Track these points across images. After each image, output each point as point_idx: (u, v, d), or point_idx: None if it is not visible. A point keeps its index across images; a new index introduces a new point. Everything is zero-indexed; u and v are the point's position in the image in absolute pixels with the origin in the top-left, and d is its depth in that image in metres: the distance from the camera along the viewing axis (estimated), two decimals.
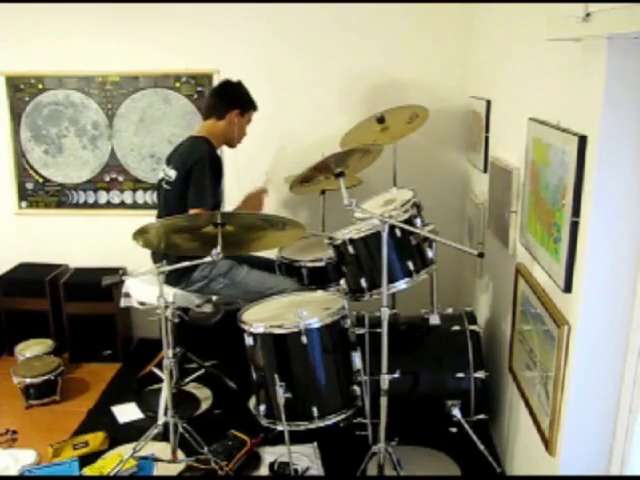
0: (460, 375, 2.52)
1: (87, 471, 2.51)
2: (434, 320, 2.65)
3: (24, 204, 3.78)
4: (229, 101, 2.91)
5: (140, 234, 2.36)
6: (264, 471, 2.56)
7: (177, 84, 3.54)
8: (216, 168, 2.79)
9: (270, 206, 3.29)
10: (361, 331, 2.57)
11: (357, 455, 2.47)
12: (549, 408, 1.83)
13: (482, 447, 2.47)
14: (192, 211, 2.69)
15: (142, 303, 2.86)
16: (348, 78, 3.45)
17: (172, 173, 2.81)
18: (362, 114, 3.14)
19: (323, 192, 3.34)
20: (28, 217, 3.79)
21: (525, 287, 2.12)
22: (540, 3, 1.96)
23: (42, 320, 3.61)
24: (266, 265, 3.01)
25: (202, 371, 3.25)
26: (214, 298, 2.96)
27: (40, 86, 3.60)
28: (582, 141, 1.59)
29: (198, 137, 2.86)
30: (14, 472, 2.56)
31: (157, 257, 2.77)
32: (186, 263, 2.41)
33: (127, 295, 2.95)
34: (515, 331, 2.28)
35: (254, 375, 2.37)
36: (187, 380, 3.22)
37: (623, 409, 1.67)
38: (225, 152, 3.32)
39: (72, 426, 2.94)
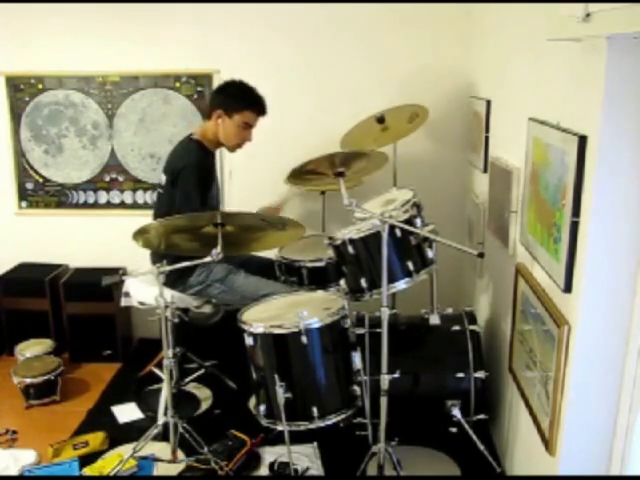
0: (460, 375, 2.52)
1: (87, 471, 2.51)
2: (434, 320, 2.65)
3: (24, 204, 3.79)
4: (214, 99, 2.84)
5: (140, 234, 2.36)
6: (264, 471, 2.56)
7: (177, 84, 3.54)
8: (204, 174, 2.75)
9: None
10: (361, 331, 2.58)
11: (357, 455, 2.47)
12: (549, 408, 1.83)
13: (482, 447, 2.47)
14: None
15: (142, 303, 2.86)
16: (348, 78, 3.45)
17: (163, 178, 2.84)
18: (363, 114, 3.13)
19: (323, 192, 3.34)
20: (28, 217, 3.79)
21: (525, 287, 2.12)
22: (540, 3, 1.96)
23: (42, 320, 3.61)
24: (265, 266, 3.01)
25: (202, 371, 3.24)
26: (213, 300, 2.96)
27: (40, 86, 3.60)
28: (582, 141, 1.59)
29: (191, 140, 2.84)
30: (14, 472, 2.56)
31: (155, 258, 2.77)
32: (186, 263, 2.41)
33: (127, 295, 2.96)
34: (515, 331, 2.28)
35: (254, 375, 2.37)
36: (187, 380, 3.22)
37: (623, 409, 1.67)
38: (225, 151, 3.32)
39: (72, 426, 2.94)
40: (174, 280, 2.77)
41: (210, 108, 2.83)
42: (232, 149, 2.90)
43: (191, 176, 2.69)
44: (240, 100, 2.78)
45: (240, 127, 2.79)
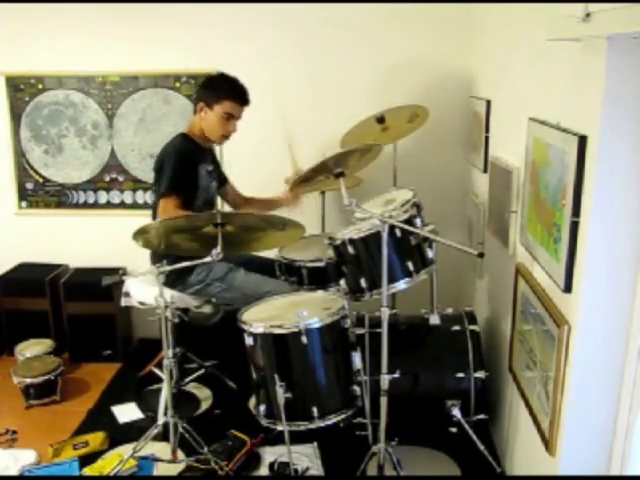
0: (460, 375, 2.52)
1: (87, 471, 2.51)
2: (434, 320, 2.65)
3: (24, 204, 3.78)
4: (197, 94, 2.90)
5: (140, 234, 2.36)
6: (264, 471, 2.56)
7: (177, 84, 3.54)
8: (182, 159, 2.73)
9: None
10: (361, 331, 2.57)
11: (357, 455, 2.46)
12: (549, 408, 1.83)
13: (482, 447, 2.47)
14: (160, 201, 2.68)
15: (142, 303, 2.86)
16: (348, 78, 3.45)
17: (153, 175, 2.85)
18: (363, 114, 3.13)
19: (323, 192, 3.34)
20: (28, 217, 3.79)
21: (525, 287, 2.12)
22: (540, 3, 1.96)
23: (42, 320, 3.60)
24: (266, 266, 3.01)
25: (202, 371, 3.24)
26: (213, 299, 2.96)
27: (40, 86, 3.60)
28: (582, 141, 1.59)
29: (178, 135, 2.86)
30: (14, 472, 2.56)
31: (155, 258, 2.77)
32: (185, 263, 2.41)
33: (127, 295, 2.96)
34: (515, 331, 2.28)
35: (254, 375, 2.37)
36: (187, 380, 3.22)
37: (623, 409, 1.67)
38: (226, 152, 3.32)
39: (72, 426, 2.94)
40: (174, 280, 2.77)
41: (195, 103, 2.89)
42: (218, 141, 2.91)
43: (168, 161, 2.70)
44: (219, 91, 2.79)
45: (222, 118, 2.79)
